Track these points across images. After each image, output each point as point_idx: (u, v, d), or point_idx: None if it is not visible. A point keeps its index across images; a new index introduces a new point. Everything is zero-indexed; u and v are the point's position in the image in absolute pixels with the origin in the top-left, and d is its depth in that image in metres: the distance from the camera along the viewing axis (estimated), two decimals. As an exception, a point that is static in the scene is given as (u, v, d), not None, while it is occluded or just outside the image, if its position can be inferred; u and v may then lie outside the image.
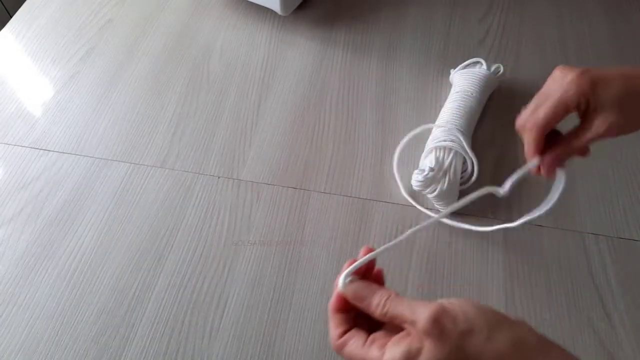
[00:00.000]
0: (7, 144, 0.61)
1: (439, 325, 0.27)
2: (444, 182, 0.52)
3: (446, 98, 0.61)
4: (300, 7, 0.74)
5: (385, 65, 0.69)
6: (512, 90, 0.65)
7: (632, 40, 0.71)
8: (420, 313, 0.27)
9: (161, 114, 0.64)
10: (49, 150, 0.61)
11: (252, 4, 0.74)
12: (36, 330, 0.48)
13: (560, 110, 0.36)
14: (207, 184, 0.58)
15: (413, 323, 0.28)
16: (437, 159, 0.52)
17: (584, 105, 0.35)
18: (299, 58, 0.70)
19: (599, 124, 0.35)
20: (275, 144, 0.61)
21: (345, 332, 0.30)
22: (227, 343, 0.47)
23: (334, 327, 0.31)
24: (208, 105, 0.65)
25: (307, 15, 0.75)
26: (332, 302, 0.31)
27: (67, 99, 0.66)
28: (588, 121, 0.36)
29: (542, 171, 0.38)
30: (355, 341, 0.29)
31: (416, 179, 0.52)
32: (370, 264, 0.33)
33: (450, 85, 0.64)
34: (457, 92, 0.59)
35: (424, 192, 0.54)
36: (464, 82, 0.59)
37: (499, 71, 0.63)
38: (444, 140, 0.53)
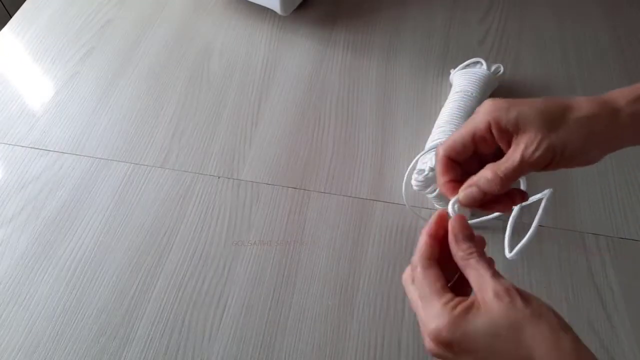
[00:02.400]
0: (7, 144, 0.61)
1: (505, 297, 0.27)
2: (444, 182, 0.51)
3: (446, 98, 0.61)
4: (300, 7, 0.74)
5: (385, 65, 0.69)
6: (512, 90, 0.65)
7: (632, 40, 0.71)
8: (488, 282, 0.28)
9: (161, 114, 0.64)
10: (49, 150, 0.61)
11: (252, 4, 0.74)
12: (36, 330, 0.48)
13: (467, 133, 0.33)
14: (207, 184, 0.58)
15: (480, 288, 0.28)
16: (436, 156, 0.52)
17: (496, 130, 0.32)
18: (299, 58, 0.70)
19: (524, 143, 0.31)
20: (275, 144, 0.61)
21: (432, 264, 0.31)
22: (227, 343, 0.47)
23: (426, 246, 0.31)
24: (208, 105, 0.65)
25: (307, 15, 0.75)
26: (433, 226, 0.32)
27: (67, 99, 0.66)
28: (514, 145, 0.32)
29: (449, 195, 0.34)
30: (437, 273, 0.30)
31: (416, 179, 0.52)
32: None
33: (450, 85, 0.64)
34: (457, 92, 0.59)
35: (424, 192, 0.54)
36: (464, 82, 0.59)
37: (499, 71, 0.63)
38: (444, 140, 0.53)
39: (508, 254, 0.39)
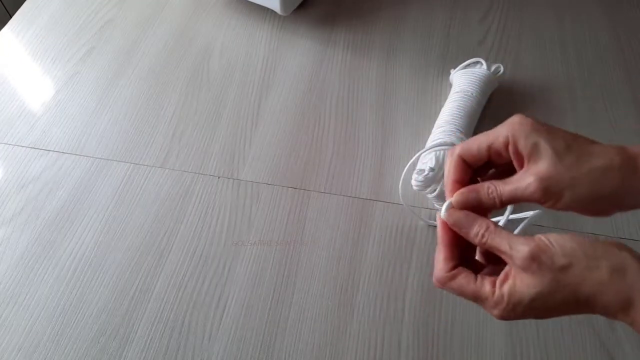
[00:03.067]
0: (7, 144, 0.61)
1: (536, 262, 0.28)
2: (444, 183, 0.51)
3: (446, 98, 0.61)
4: (300, 7, 0.75)
5: (385, 65, 0.69)
6: (512, 90, 0.65)
7: (632, 40, 0.71)
8: (518, 250, 0.28)
9: (161, 114, 0.64)
10: (49, 150, 0.61)
11: (252, 4, 0.74)
12: (36, 330, 0.48)
13: (486, 141, 0.32)
14: (207, 184, 0.58)
15: (511, 257, 0.29)
16: (437, 159, 0.52)
17: (512, 149, 0.31)
18: (299, 58, 0.70)
19: (528, 175, 0.30)
20: (275, 144, 0.61)
21: (454, 267, 0.31)
22: (227, 343, 0.47)
23: (444, 260, 0.32)
24: (208, 105, 0.65)
25: (307, 15, 0.75)
26: (441, 233, 0.32)
27: (67, 98, 0.66)
28: (522, 171, 0.31)
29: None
30: (465, 276, 0.30)
31: (416, 179, 0.52)
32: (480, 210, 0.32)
33: (450, 85, 0.65)
34: (457, 92, 0.59)
35: (423, 192, 0.54)
36: (464, 82, 0.59)
37: (499, 71, 0.63)
38: (444, 141, 0.53)
39: None
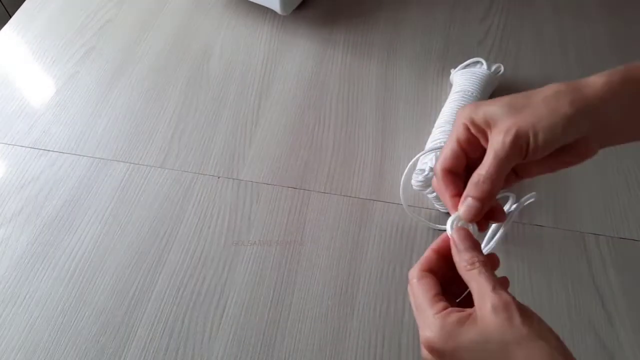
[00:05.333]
0: (7, 144, 0.61)
1: (501, 313, 0.26)
2: (444, 182, 0.51)
3: (446, 98, 0.61)
4: (300, 7, 0.74)
5: (386, 65, 0.69)
6: (512, 90, 0.65)
7: (632, 41, 0.71)
8: (482, 304, 0.27)
9: (161, 114, 0.64)
10: (49, 150, 0.61)
11: (252, 4, 0.74)
12: (36, 330, 0.48)
13: (452, 140, 0.33)
14: (207, 184, 0.58)
15: (481, 295, 0.28)
16: (437, 159, 0.52)
17: (475, 130, 0.32)
18: (299, 58, 0.70)
19: (495, 136, 0.30)
20: (275, 144, 0.61)
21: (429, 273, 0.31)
22: (227, 343, 0.47)
23: (424, 260, 0.32)
24: (208, 105, 0.65)
25: (307, 15, 0.75)
26: (437, 243, 0.32)
27: (67, 98, 0.66)
28: (489, 142, 0.31)
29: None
30: (430, 282, 0.30)
31: (416, 179, 0.52)
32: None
33: (450, 85, 0.64)
34: (457, 92, 0.59)
35: (424, 192, 0.54)
36: (464, 82, 0.59)
37: (499, 71, 0.63)
38: (444, 141, 0.53)
39: None
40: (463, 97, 0.58)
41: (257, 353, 0.47)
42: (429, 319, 0.28)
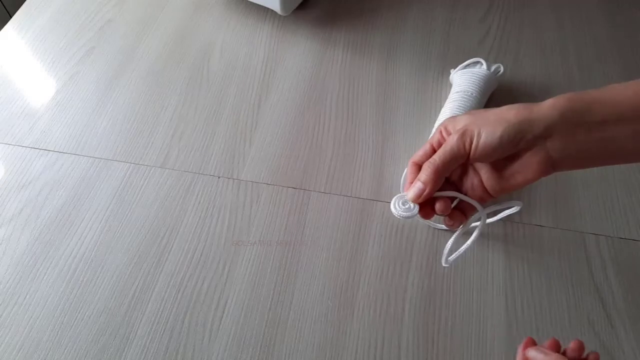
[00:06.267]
0: (7, 144, 0.61)
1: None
2: (444, 182, 0.52)
3: (446, 98, 0.61)
4: (300, 7, 0.75)
5: (385, 65, 0.69)
6: (512, 90, 0.65)
7: (632, 40, 0.71)
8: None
9: (161, 114, 0.64)
10: (49, 150, 0.61)
11: (252, 4, 0.74)
12: (36, 330, 0.48)
13: (428, 142, 0.40)
14: (207, 184, 0.58)
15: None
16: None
17: (445, 131, 0.39)
18: (299, 58, 0.70)
19: (447, 138, 0.38)
20: (275, 144, 0.61)
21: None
22: (227, 343, 0.47)
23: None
24: (208, 105, 0.65)
25: (307, 15, 0.75)
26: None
27: (67, 99, 0.66)
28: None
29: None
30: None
31: (416, 179, 0.52)
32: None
33: (450, 85, 0.65)
34: (457, 92, 0.59)
35: (424, 192, 0.54)
36: (464, 82, 0.59)
37: (499, 71, 0.63)
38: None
39: (444, 263, 0.44)
40: (463, 97, 0.58)
41: (257, 353, 0.47)
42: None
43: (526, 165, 0.36)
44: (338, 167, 0.59)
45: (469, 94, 0.58)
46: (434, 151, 0.39)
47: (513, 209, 0.44)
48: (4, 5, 1.28)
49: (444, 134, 0.39)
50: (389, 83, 0.67)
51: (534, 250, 0.53)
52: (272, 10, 0.73)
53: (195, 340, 0.47)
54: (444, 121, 0.40)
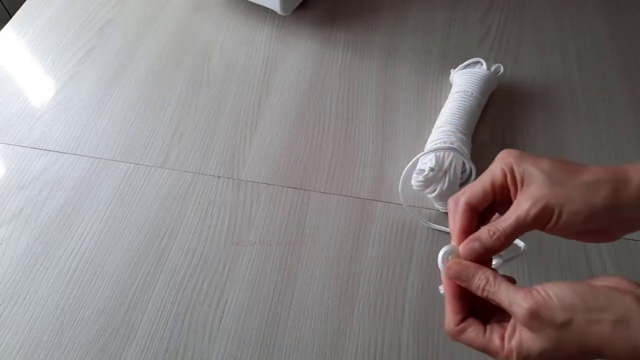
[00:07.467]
0: (7, 144, 0.61)
1: (536, 320, 0.27)
2: (444, 182, 0.52)
3: (446, 98, 0.61)
4: (300, 7, 0.75)
5: (385, 65, 0.69)
6: (512, 90, 0.65)
7: (632, 40, 0.71)
8: (518, 306, 0.28)
9: (161, 114, 0.64)
10: (49, 150, 0.61)
11: (252, 4, 0.74)
12: (36, 330, 0.48)
13: (487, 179, 0.33)
14: (207, 184, 0.58)
15: (513, 314, 0.29)
16: (437, 159, 0.52)
17: (510, 179, 0.32)
18: (299, 58, 0.70)
19: (523, 201, 0.30)
20: (275, 144, 0.61)
21: (463, 320, 0.31)
22: (227, 343, 0.47)
23: (451, 313, 0.32)
24: (208, 105, 0.65)
25: (307, 15, 0.75)
26: (446, 284, 0.32)
27: (67, 99, 0.66)
28: (515, 201, 0.32)
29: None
30: (474, 329, 0.31)
31: (416, 179, 0.52)
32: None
33: (450, 85, 0.65)
34: (457, 92, 0.59)
35: (424, 192, 0.54)
36: (464, 82, 0.59)
37: (499, 71, 0.63)
38: (444, 141, 0.53)
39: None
40: (463, 97, 0.58)
41: (257, 353, 0.47)
42: (499, 356, 0.29)
43: (600, 233, 0.32)
44: (338, 167, 0.59)
45: (469, 94, 0.58)
46: (493, 191, 0.33)
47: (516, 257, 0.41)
48: (4, 5, 1.28)
49: (509, 178, 0.32)
50: (389, 83, 0.67)
51: (534, 250, 0.52)
52: (272, 10, 0.73)
53: (196, 340, 0.47)
54: (508, 158, 0.32)
